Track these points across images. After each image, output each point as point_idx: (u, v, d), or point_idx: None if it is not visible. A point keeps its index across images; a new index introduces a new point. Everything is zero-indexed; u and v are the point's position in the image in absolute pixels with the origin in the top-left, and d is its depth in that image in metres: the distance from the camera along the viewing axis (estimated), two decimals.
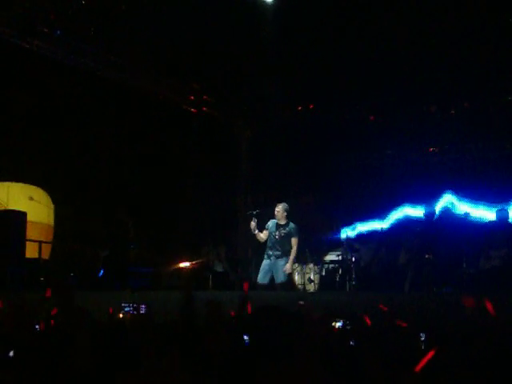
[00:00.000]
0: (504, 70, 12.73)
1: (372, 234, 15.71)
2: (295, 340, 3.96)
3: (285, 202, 11.11)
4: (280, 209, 10.92)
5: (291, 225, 10.94)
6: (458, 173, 15.31)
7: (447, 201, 15.21)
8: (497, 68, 12.71)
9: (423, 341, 5.02)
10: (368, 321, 4.83)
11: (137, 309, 5.65)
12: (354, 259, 13.64)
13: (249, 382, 3.67)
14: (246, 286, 5.71)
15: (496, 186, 14.66)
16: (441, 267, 12.67)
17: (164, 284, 13.44)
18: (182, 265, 13.26)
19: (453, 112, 14.52)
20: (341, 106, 14.92)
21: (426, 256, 11.93)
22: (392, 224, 15.82)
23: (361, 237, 15.75)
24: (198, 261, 13.74)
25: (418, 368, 3.46)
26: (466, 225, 13.48)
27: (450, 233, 13.20)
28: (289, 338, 3.97)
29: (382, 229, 15.51)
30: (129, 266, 13.23)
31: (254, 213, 11.05)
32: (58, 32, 11.55)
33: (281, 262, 10.77)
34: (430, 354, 3.52)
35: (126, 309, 5.73)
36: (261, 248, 11.30)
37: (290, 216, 11.05)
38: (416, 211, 15.24)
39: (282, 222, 10.89)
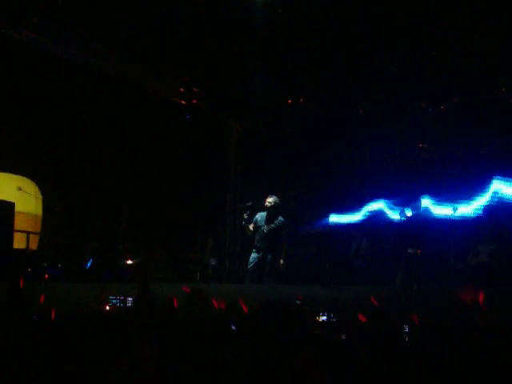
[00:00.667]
0: (495, 65, 12.76)
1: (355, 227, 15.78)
2: (298, 335, 3.97)
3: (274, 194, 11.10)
4: (272, 201, 10.85)
5: (280, 218, 10.90)
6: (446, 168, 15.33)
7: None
8: (488, 63, 12.73)
9: (407, 332, 5.07)
10: (363, 318, 4.84)
11: (124, 301, 5.65)
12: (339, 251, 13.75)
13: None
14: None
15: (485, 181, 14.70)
16: (430, 263, 12.74)
17: (154, 277, 13.43)
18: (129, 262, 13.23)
19: (443, 107, 14.52)
20: (331, 100, 14.89)
21: (411, 251, 11.95)
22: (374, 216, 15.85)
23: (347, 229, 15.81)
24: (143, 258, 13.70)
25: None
26: (452, 219, 13.53)
27: (438, 227, 13.27)
28: (293, 333, 3.98)
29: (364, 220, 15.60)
30: (118, 258, 13.24)
31: (247, 205, 11.04)
32: (48, 23, 11.51)
33: (269, 255, 10.75)
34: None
35: (113, 301, 5.73)
36: (248, 241, 11.28)
37: (279, 209, 11.01)
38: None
39: (272, 215, 10.85)
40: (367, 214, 15.02)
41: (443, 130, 14.77)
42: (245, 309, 4.82)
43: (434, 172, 15.30)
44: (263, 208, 10.97)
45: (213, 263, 13.92)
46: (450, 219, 12.72)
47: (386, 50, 12.45)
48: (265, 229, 10.80)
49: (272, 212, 10.85)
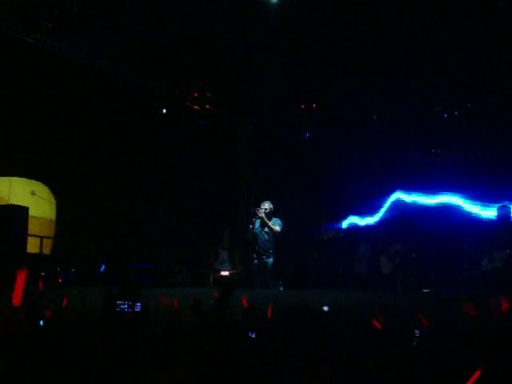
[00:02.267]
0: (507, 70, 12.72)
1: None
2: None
3: (283, 197, 11.26)
4: (267, 206, 11.04)
5: (275, 219, 11.07)
6: (460, 174, 15.28)
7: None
8: (500, 68, 12.68)
9: (417, 337, 5.06)
10: (378, 324, 4.83)
11: (132, 306, 5.63)
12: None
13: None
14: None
15: (498, 186, 14.64)
16: (426, 267, 12.74)
17: (165, 281, 13.43)
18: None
19: (456, 113, 14.47)
20: (344, 105, 14.87)
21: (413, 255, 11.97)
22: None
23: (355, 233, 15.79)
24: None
25: None
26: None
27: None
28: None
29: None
30: (130, 263, 13.25)
31: (256, 211, 11.13)
32: (62, 27, 11.55)
33: (270, 259, 10.91)
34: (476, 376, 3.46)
35: (122, 306, 5.71)
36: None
37: (273, 214, 11.17)
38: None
39: (269, 220, 11.00)
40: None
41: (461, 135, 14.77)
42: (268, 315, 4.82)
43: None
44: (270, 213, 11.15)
45: (228, 269, 13.91)
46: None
47: (402, 55, 12.41)
48: (264, 235, 10.97)
49: (268, 217, 10.99)
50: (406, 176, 15.61)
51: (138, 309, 5.57)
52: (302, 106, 15.18)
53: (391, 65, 12.72)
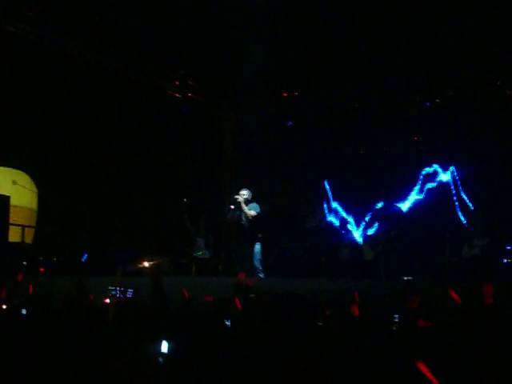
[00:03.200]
0: (489, 58, 12.78)
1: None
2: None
3: (266, 186, 11.29)
4: (245, 193, 11.10)
5: (251, 205, 11.13)
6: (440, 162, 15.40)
7: None
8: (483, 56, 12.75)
9: (396, 322, 5.13)
10: (356, 311, 4.86)
11: (124, 293, 5.62)
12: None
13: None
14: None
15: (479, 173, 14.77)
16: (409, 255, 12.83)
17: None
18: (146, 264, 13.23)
19: (438, 101, 14.52)
20: (326, 94, 14.90)
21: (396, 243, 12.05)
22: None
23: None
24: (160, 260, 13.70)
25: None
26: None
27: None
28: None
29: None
30: (113, 252, 13.24)
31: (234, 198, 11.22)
32: (44, 16, 11.49)
33: (257, 245, 10.94)
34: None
35: (113, 292, 5.69)
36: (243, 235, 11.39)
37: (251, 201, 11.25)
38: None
39: (247, 207, 11.07)
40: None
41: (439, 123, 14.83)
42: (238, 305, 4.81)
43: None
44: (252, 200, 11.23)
45: (206, 256, 13.90)
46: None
47: (382, 43, 12.43)
48: (243, 221, 11.05)
49: (246, 204, 11.07)
50: (388, 164, 15.69)
51: (129, 295, 5.57)
52: (284, 95, 15.17)
53: (373, 53, 12.74)
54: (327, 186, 16.42)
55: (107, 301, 5.63)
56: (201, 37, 12.50)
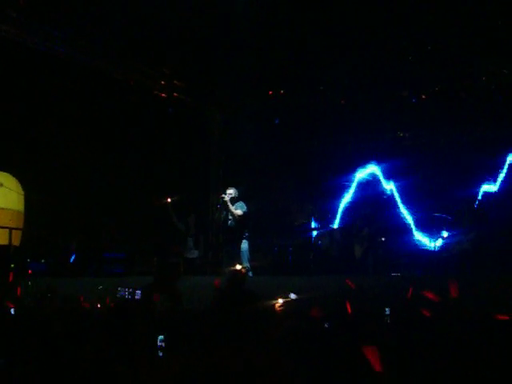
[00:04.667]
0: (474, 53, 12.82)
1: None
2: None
3: (254, 185, 11.33)
4: (232, 192, 11.17)
5: (238, 204, 11.18)
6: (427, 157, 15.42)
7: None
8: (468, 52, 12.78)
9: (388, 315, 5.18)
10: (349, 308, 4.89)
11: (132, 294, 5.61)
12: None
13: None
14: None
15: (467, 169, 14.79)
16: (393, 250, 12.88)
17: (137, 270, 13.42)
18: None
19: (424, 96, 14.55)
20: (311, 91, 14.90)
21: (380, 239, 12.08)
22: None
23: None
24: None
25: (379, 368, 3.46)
26: None
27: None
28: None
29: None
30: (102, 252, 13.23)
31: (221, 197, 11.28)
32: (28, 17, 11.44)
33: (244, 244, 11.00)
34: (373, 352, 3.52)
35: (121, 293, 5.68)
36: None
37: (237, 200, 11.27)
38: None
39: (233, 206, 11.12)
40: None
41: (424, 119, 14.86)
42: None
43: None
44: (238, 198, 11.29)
45: (195, 256, 13.89)
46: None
47: (369, 39, 12.44)
48: (230, 220, 11.12)
49: (232, 203, 11.14)
50: (374, 160, 15.73)
51: (137, 296, 5.55)
52: (270, 93, 15.17)
53: (359, 49, 12.75)
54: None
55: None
56: (186, 36, 12.48)
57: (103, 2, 11.50)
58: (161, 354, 4.33)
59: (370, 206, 12.91)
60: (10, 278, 6.17)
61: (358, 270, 12.86)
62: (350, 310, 4.99)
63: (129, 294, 5.62)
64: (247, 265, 10.96)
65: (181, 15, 11.73)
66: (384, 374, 3.40)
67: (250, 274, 10.92)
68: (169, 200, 13.04)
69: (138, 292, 5.58)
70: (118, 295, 5.63)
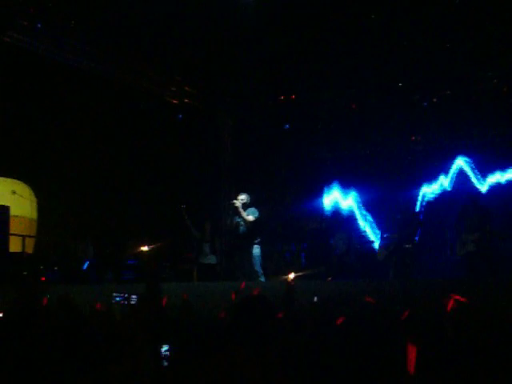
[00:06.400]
0: (485, 56, 12.78)
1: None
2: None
3: (265, 189, 11.32)
4: (243, 197, 11.17)
5: (250, 209, 11.18)
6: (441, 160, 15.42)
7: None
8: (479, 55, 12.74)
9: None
10: (372, 300, 4.87)
11: (127, 299, 5.60)
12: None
13: None
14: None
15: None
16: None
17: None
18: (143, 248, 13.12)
19: (435, 100, 14.51)
20: (323, 95, 14.88)
21: (407, 246, 11.99)
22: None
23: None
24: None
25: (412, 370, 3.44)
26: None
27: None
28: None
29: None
30: (123, 259, 13.26)
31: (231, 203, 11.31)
32: (39, 25, 11.48)
33: (256, 249, 10.99)
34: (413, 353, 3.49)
35: (117, 299, 5.67)
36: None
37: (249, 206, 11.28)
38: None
39: (245, 211, 11.12)
40: None
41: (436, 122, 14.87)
42: None
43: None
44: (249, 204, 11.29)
45: (213, 261, 13.85)
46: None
47: (380, 43, 12.42)
48: (242, 226, 11.11)
49: (244, 209, 11.14)
50: (388, 164, 15.73)
51: (133, 301, 5.54)
52: (282, 97, 15.16)
53: (369, 52, 12.74)
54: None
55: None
56: (197, 42, 12.50)
57: (113, 9, 11.52)
58: (166, 363, 4.30)
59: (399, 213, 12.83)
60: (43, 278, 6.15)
61: (377, 275, 12.81)
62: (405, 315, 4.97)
63: (124, 300, 5.60)
64: (260, 270, 10.95)
65: (191, 22, 11.74)
66: (416, 376, 3.38)
67: (263, 279, 10.91)
68: (183, 206, 13.07)
69: (134, 297, 5.54)
70: (113, 301, 5.61)
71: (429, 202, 15.30)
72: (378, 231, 14.64)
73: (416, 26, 11.89)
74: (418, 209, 14.98)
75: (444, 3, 11.31)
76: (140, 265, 12.28)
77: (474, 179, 14.99)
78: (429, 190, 15.42)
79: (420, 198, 15.30)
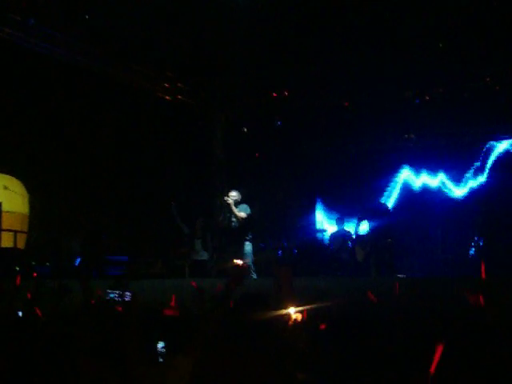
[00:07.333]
0: (478, 54, 12.80)
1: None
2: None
3: (257, 187, 11.32)
4: (235, 195, 11.18)
5: (241, 206, 11.19)
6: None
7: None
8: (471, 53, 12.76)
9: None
10: (373, 297, 4.88)
11: (122, 296, 5.58)
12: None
13: None
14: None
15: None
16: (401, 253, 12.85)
17: (140, 273, 13.40)
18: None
19: (427, 98, 14.54)
20: (315, 92, 14.88)
21: (388, 240, 12.05)
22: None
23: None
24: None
25: (433, 369, 3.44)
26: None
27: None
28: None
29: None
30: (104, 255, 13.23)
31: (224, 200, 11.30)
32: (32, 21, 11.43)
33: (247, 246, 11.00)
34: (439, 352, 3.49)
35: (111, 295, 5.65)
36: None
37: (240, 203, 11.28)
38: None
39: (237, 208, 11.13)
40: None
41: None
42: None
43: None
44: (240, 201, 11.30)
45: (205, 258, 13.85)
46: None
47: (372, 40, 12.42)
48: (233, 222, 11.12)
49: (235, 206, 11.14)
50: (379, 162, 15.76)
51: (127, 298, 5.52)
52: (274, 95, 15.16)
53: (363, 50, 12.74)
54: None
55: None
56: (189, 38, 12.49)
57: (105, 4, 11.51)
58: (161, 359, 4.29)
59: (375, 207, 12.89)
60: (18, 281, 6.12)
61: (360, 273, 12.84)
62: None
63: (118, 296, 5.58)
64: (252, 267, 10.96)
65: (184, 18, 11.73)
66: (435, 376, 3.38)
67: (254, 276, 10.91)
68: (173, 203, 13.07)
69: (128, 294, 5.52)
70: (107, 297, 5.58)
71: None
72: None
73: (409, 23, 11.91)
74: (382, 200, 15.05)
75: (436, 1, 11.33)
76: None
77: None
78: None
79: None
